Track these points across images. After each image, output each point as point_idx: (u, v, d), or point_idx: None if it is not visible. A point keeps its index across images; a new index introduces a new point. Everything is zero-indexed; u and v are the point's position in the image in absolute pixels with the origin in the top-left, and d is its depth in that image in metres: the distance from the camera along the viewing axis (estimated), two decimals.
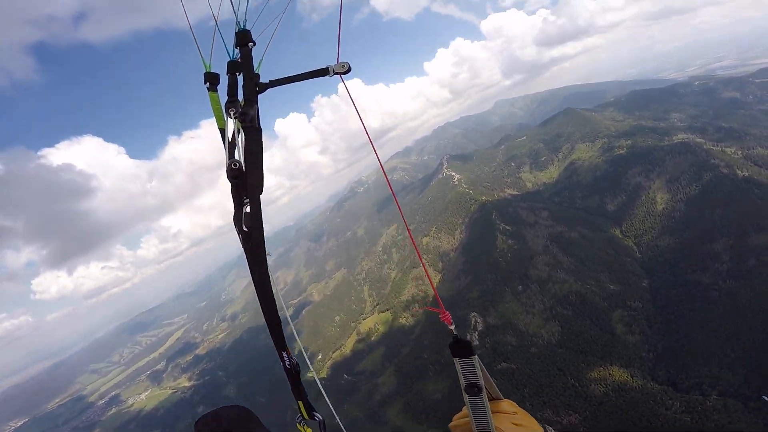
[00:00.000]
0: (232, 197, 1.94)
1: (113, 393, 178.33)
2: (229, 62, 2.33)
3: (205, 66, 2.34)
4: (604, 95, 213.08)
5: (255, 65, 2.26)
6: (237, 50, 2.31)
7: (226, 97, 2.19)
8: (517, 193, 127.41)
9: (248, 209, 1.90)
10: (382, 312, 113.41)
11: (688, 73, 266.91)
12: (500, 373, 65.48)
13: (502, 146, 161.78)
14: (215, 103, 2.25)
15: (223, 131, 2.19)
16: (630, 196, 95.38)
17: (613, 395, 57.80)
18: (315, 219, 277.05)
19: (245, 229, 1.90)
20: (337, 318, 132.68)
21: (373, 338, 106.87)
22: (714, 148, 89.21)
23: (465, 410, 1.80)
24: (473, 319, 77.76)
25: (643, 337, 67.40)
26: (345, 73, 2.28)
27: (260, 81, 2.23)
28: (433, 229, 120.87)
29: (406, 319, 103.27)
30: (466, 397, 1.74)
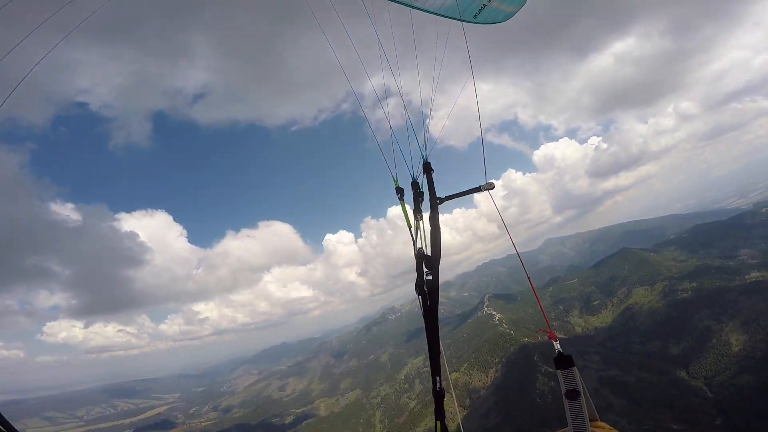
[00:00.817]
0: (417, 269, 3.06)
1: None
2: (413, 182, 3.59)
3: (395, 182, 3.62)
4: (662, 232, 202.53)
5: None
6: (423, 175, 3.59)
7: (413, 205, 3.45)
8: (564, 336, 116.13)
9: (430, 277, 3.00)
10: None
11: (751, 199, 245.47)
12: None
13: (550, 288, 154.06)
14: (404, 209, 3.46)
15: (409, 228, 3.36)
16: (698, 339, 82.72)
17: None
18: (341, 337, 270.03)
19: (425, 290, 2.98)
20: None
21: None
22: None
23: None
24: None
25: None
26: (491, 189, 3.40)
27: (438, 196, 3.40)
28: (465, 365, 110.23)
29: None
30: (566, 403, 2.01)
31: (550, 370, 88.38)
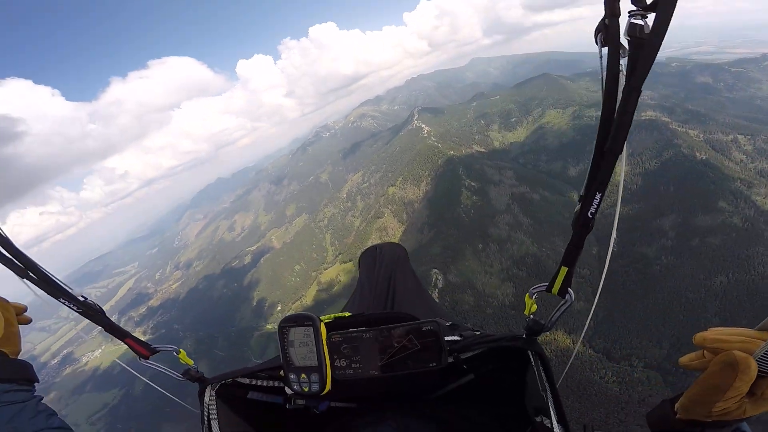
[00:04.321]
0: (606, 6, 0.99)
1: (66, 351, 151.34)
2: None
3: None
4: (581, 65, 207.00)
5: None
6: None
7: None
8: (484, 150, 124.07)
9: (653, 21, 0.79)
10: (345, 263, 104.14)
11: (666, 53, 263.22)
12: None
13: (474, 103, 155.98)
14: None
15: None
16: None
17: (556, 360, 58.15)
18: (277, 161, 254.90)
19: (634, 37, 1.20)
20: (297, 267, 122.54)
21: (335, 289, 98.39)
22: (679, 128, 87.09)
23: (731, 329, 1.14)
24: (434, 276, 73.95)
25: (587, 304, 67.11)
26: None
27: None
28: (400, 179, 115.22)
29: None
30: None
31: (473, 184, 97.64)
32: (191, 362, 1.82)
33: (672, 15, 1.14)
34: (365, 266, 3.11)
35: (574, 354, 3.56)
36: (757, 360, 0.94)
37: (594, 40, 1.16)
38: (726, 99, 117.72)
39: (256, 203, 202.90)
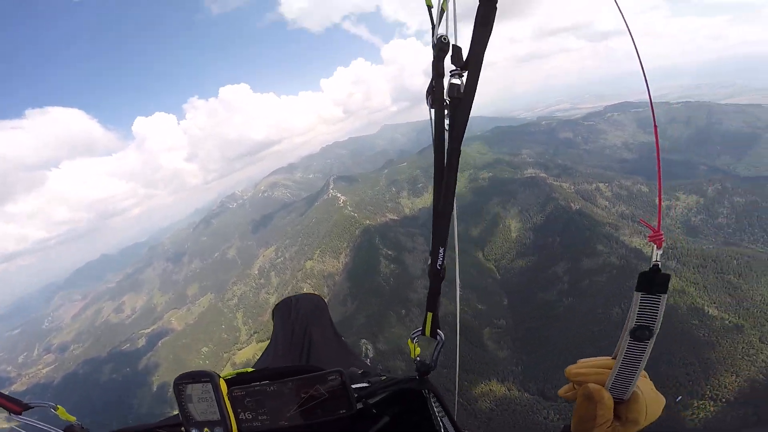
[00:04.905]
0: (433, 69, 1.50)
1: None
2: None
3: None
4: (471, 130, 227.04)
5: None
6: None
7: None
8: (396, 218, 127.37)
9: (465, 79, 1.38)
10: (262, 341, 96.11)
11: (535, 113, 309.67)
12: None
13: (385, 170, 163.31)
14: None
15: (429, 8, 1.69)
16: (490, 223, 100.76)
17: (498, 410, 58.20)
18: (174, 236, 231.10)
19: (453, 97, 1.39)
20: (205, 349, 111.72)
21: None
22: (554, 182, 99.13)
23: (593, 360, 1.23)
24: (364, 346, 72.55)
25: (510, 351, 69.80)
26: None
27: None
28: (318, 252, 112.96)
29: None
30: (626, 340, 1.10)
31: (390, 252, 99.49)
32: (74, 418, 1.66)
33: (479, 73, 1.10)
34: (280, 319, 3.07)
35: (457, 383, 3.97)
36: (609, 389, 0.98)
37: (426, 101, 1.07)
38: (584, 151, 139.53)
39: (149, 283, 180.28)
